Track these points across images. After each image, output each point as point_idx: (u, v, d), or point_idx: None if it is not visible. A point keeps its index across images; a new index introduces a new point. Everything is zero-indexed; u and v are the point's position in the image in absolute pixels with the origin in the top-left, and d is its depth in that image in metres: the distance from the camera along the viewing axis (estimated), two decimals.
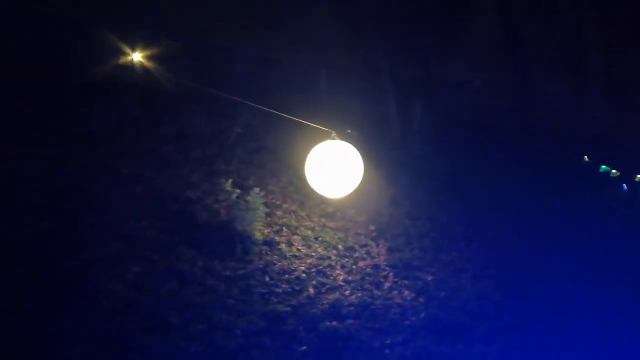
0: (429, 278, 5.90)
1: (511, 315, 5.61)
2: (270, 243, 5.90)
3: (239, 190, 6.14)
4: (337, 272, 5.76)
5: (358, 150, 4.92)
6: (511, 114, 8.97)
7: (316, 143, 5.18)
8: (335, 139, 5.10)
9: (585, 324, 5.57)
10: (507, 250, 6.54)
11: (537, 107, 8.88)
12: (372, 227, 6.46)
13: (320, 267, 5.78)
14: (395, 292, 5.66)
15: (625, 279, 6.19)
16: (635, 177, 5.83)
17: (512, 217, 7.08)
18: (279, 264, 5.70)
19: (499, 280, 6.06)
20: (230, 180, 6.18)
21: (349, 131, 5.38)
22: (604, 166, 5.84)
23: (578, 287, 6.05)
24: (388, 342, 5.10)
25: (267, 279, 5.49)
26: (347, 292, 5.54)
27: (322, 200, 6.44)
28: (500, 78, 9.09)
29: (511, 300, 5.81)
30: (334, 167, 5.05)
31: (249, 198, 6.02)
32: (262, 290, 5.36)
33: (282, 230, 6.11)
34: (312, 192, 6.35)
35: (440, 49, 8.39)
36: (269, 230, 6.01)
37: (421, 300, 5.60)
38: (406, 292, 5.66)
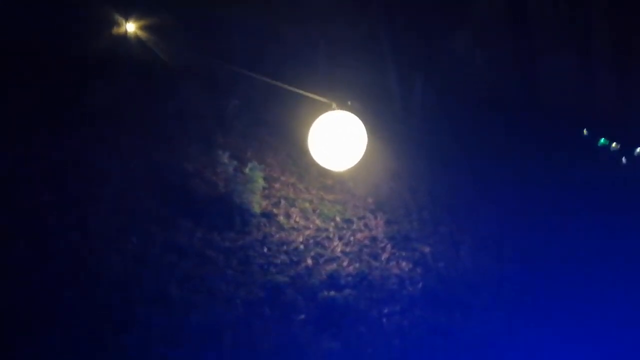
0: (427, 250, 5.92)
1: (509, 287, 5.65)
2: (268, 215, 5.91)
3: (237, 163, 6.13)
4: (335, 243, 5.79)
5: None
6: (516, 87, 8.84)
7: (316, 115, 5.15)
8: (336, 110, 5.07)
9: (586, 297, 5.59)
10: (507, 224, 6.54)
11: (543, 81, 8.73)
12: (370, 200, 6.46)
13: (319, 238, 5.80)
14: (393, 263, 5.69)
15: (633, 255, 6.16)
16: None
17: (514, 191, 7.07)
18: (278, 235, 5.72)
19: (497, 252, 6.10)
20: (228, 153, 6.17)
21: (349, 103, 5.34)
22: (607, 141, 5.76)
23: (580, 261, 6.06)
24: (385, 311, 5.16)
25: (265, 250, 5.53)
26: (345, 263, 5.57)
27: (320, 173, 6.43)
28: (506, 51, 8.93)
29: (510, 272, 5.85)
30: (336, 139, 5.03)
31: (247, 171, 6.02)
32: (261, 261, 5.40)
33: (280, 202, 6.11)
34: (310, 165, 6.35)
35: (444, 21, 8.24)
36: (267, 202, 6.01)
37: (419, 271, 5.64)
38: (404, 263, 5.69)
